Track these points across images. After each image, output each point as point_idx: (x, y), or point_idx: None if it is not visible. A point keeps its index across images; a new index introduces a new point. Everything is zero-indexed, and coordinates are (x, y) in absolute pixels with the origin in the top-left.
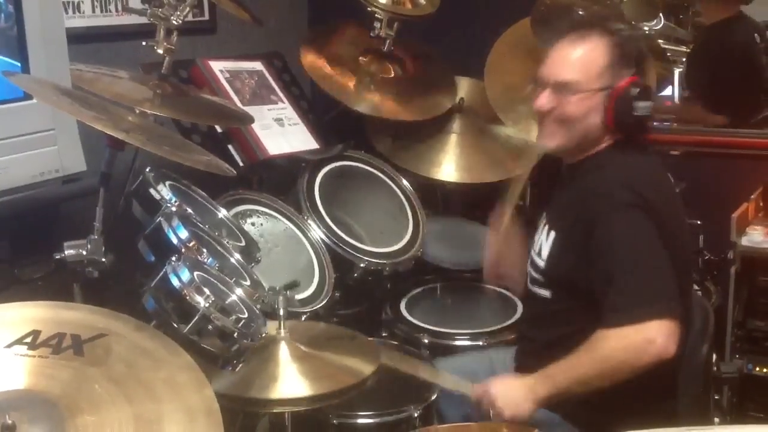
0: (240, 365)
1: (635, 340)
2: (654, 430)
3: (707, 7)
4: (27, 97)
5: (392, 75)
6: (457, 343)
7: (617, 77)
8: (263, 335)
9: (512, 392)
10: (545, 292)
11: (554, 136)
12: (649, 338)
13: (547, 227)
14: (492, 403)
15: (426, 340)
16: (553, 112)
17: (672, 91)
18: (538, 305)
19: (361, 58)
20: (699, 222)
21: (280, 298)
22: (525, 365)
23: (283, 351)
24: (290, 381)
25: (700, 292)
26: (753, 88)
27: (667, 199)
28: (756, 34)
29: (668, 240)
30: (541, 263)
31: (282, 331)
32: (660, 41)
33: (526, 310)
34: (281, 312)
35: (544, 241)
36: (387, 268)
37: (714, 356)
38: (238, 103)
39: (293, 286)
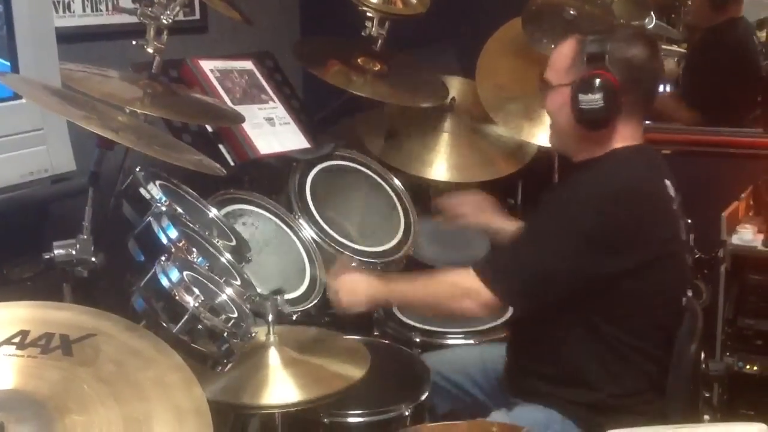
0: (229, 365)
1: (462, 286)
2: (644, 428)
3: (702, 13)
4: (16, 96)
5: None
6: (449, 341)
7: (580, 73)
8: (253, 335)
9: (354, 285)
10: None
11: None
12: (471, 291)
13: None
14: (336, 290)
15: (417, 339)
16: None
17: (663, 90)
18: None
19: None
20: (689, 220)
21: (269, 303)
22: (515, 360)
23: (273, 356)
24: (281, 386)
25: (690, 291)
26: (750, 88)
27: (648, 218)
28: (754, 36)
29: (636, 265)
30: None
31: (271, 336)
32: None
33: None
34: (270, 318)
35: None
36: (378, 267)
37: (703, 354)
38: (229, 103)
39: (277, 293)
